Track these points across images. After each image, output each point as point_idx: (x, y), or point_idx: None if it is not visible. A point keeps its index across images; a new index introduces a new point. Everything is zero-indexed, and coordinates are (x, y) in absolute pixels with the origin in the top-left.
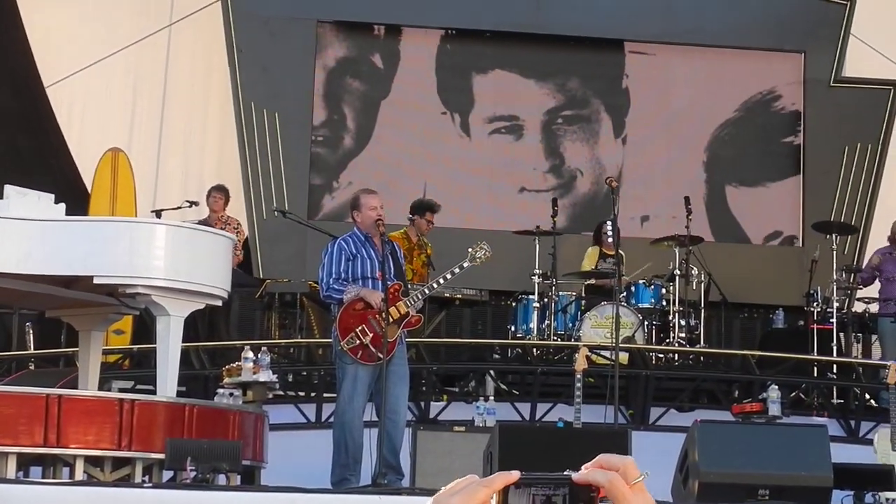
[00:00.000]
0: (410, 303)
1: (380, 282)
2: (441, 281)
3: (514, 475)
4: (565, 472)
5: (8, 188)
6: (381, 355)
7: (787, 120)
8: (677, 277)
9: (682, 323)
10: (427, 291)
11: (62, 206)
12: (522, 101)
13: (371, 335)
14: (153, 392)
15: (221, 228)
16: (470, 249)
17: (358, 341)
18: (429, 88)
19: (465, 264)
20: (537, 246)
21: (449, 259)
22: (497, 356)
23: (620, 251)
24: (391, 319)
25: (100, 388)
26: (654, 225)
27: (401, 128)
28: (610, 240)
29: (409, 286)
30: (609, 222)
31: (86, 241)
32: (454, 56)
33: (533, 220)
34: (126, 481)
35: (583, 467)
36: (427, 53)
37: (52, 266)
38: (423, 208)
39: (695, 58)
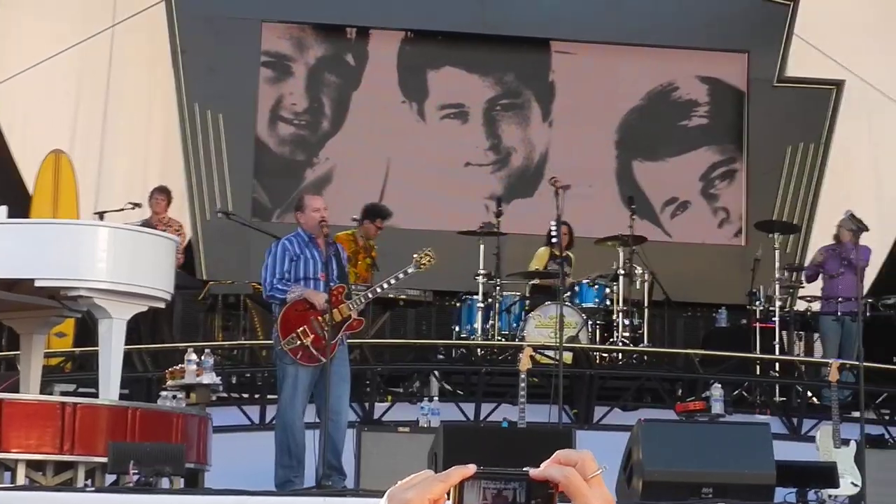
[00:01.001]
0: (353, 306)
1: (322, 283)
2: (385, 285)
3: (471, 469)
4: (523, 469)
5: None
6: (321, 357)
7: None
8: (621, 277)
9: (626, 322)
10: (370, 295)
11: (4, 208)
12: (468, 92)
13: (312, 336)
14: (96, 395)
15: (163, 230)
16: (415, 255)
17: (299, 342)
18: (391, 82)
19: (410, 270)
20: (482, 246)
21: (393, 259)
22: (441, 356)
23: (569, 253)
24: (333, 322)
25: (42, 392)
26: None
27: (369, 114)
28: (555, 240)
29: (352, 289)
30: (553, 223)
31: (27, 243)
32: (412, 55)
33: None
34: (68, 485)
35: (542, 464)
36: (390, 53)
37: None
38: (374, 214)
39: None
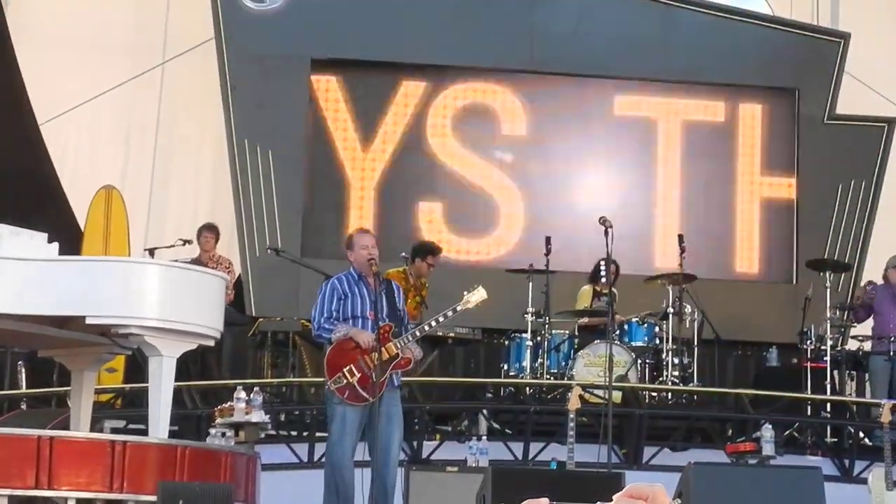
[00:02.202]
0: (400, 344)
1: (371, 321)
2: (433, 323)
3: (543, 503)
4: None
5: (1, 227)
6: (368, 396)
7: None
8: (670, 315)
9: (676, 361)
10: (418, 333)
11: (55, 245)
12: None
13: (359, 375)
14: (145, 431)
15: (213, 268)
16: (465, 293)
17: (345, 381)
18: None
19: (458, 308)
20: (530, 284)
21: (443, 297)
22: (490, 395)
23: (614, 290)
24: (381, 360)
25: (92, 428)
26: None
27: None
28: (604, 279)
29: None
30: (603, 261)
31: (79, 281)
32: (462, 91)
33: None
34: None
35: (614, 497)
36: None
37: (45, 306)
38: (424, 252)
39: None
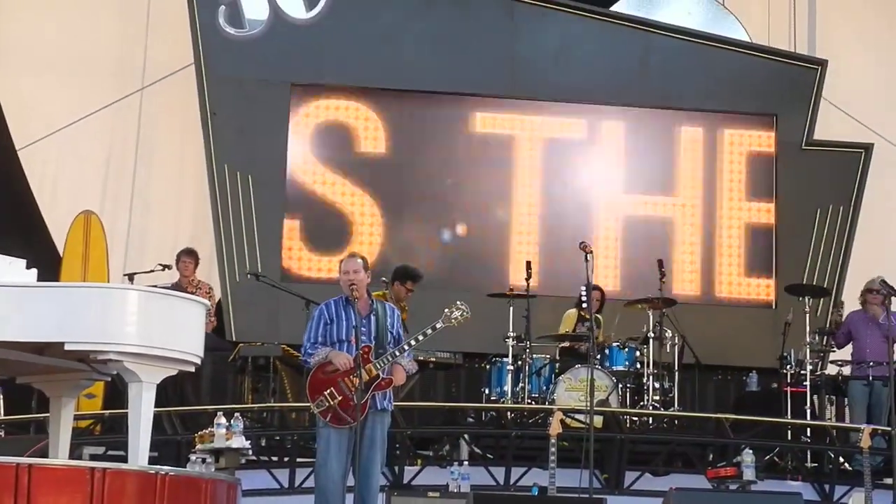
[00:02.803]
0: (379, 365)
1: (354, 344)
2: (412, 342)
3: None
4: None
5: None
6: (349, 419)
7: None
8: (651, 340)
9: (657, 386)
10: (397, 353)
11: (34, 271)
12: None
13: (340, 398)
14: (125, 458)
15: (192, 293)
16: (446, 310)
17: (327, 404)
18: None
19: (439, 325)
20: (511, 308)
21: (424, 319)
22: (471, 420)
23: (598, 316)
24: (362, 382)
25: (71, 455)
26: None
27: None
28: (585, 304)
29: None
30: (584, 287)
31: (57, 307)
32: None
33: None
34: None
35: None
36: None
37: (23, 332)
38: (405, 276)
39: None
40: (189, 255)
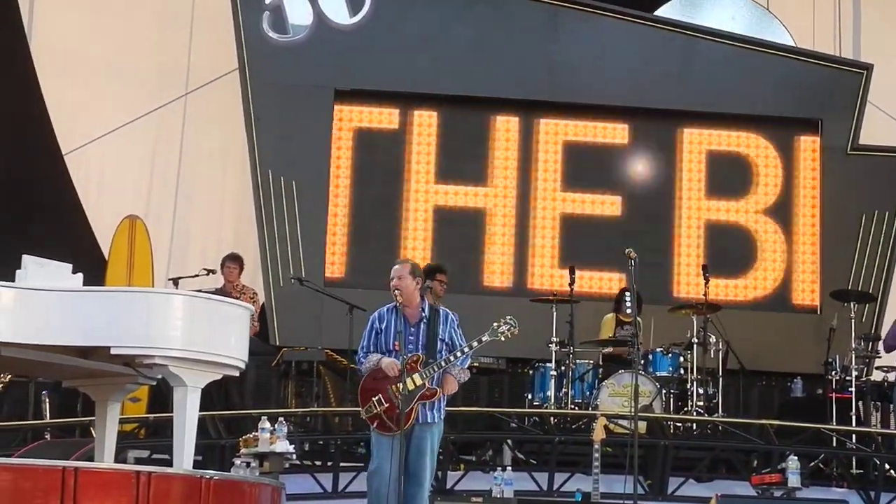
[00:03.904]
0: (425, 375)
1: (399, 352)
2: (458, 354)
3: None
4: None
5: (26, 258)
6: (394, 426)
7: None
8: (695, 345)
9: (700, 391)
10: (443, 364)
11: (80, 275)
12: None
13: (387, 405)
14: (170, 461)
15: (237, 297)
16: (494, 323)
17: (374, 410)
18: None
19: (485, 338)
20: (554, 313)
21: (472, 327)
22: (514, 425)
23: (638, 318)
24: (407, 391)
25: (116, 458)
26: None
27: None
28: (629, 310)
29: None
30: (628, 291)
31: (103, 311)
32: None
33: None
34: None
35: None
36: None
37: (69, 336)
38: (433, 272)
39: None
40: (234, 261)
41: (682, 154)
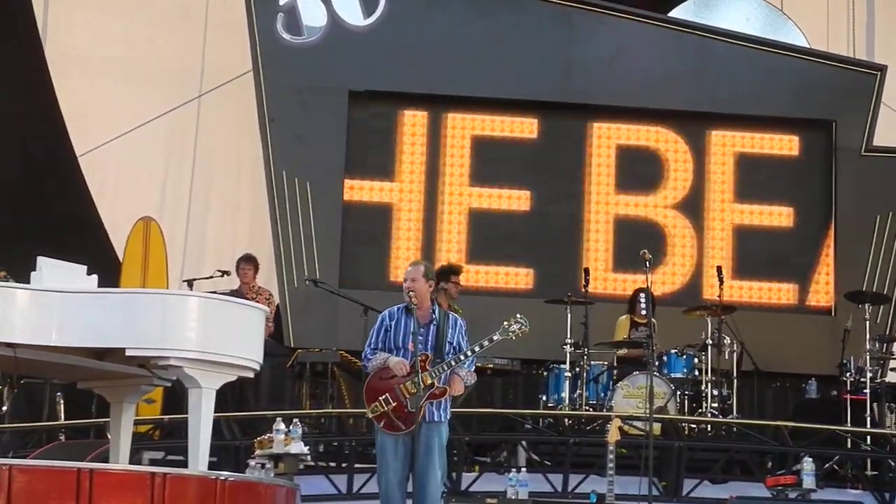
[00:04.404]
0: (435, 374)
1: (410, 352)
2: (469, 353)
3: None
4: None
5: (41, 260)
6: (402, 426)
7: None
8: (709, 347)
9: (715, 393)
10: (454, 363)
11: (94, 277)
12: None
13: (394, 404)
14: (184, 463)
15: (252, 299)
16: (505, 322)
17: (381, 409)
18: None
19: (496, 337)
20: (569, 315)
21: (482, 327)
22: (529, 426)
23: (653, 320)
24: (415, 390)
25: (130, 459)
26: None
27: None
28: (644, 311)
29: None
30: (643, 292)
31: (118, 313)
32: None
33: None
34: None
35: None
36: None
37: (84, 338)
38: (448, 273)
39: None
40: (248, 262)
41: (711, 156)
